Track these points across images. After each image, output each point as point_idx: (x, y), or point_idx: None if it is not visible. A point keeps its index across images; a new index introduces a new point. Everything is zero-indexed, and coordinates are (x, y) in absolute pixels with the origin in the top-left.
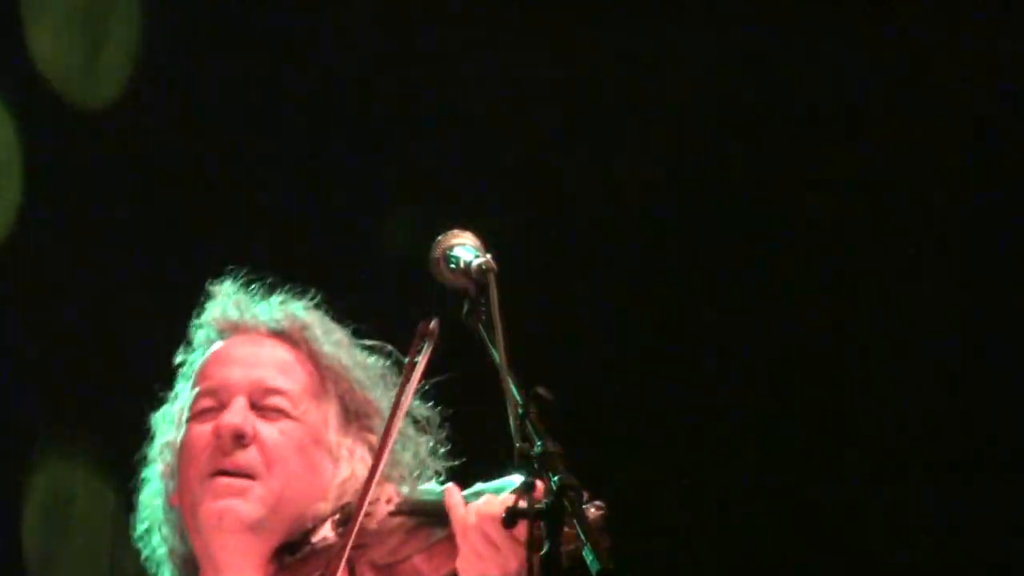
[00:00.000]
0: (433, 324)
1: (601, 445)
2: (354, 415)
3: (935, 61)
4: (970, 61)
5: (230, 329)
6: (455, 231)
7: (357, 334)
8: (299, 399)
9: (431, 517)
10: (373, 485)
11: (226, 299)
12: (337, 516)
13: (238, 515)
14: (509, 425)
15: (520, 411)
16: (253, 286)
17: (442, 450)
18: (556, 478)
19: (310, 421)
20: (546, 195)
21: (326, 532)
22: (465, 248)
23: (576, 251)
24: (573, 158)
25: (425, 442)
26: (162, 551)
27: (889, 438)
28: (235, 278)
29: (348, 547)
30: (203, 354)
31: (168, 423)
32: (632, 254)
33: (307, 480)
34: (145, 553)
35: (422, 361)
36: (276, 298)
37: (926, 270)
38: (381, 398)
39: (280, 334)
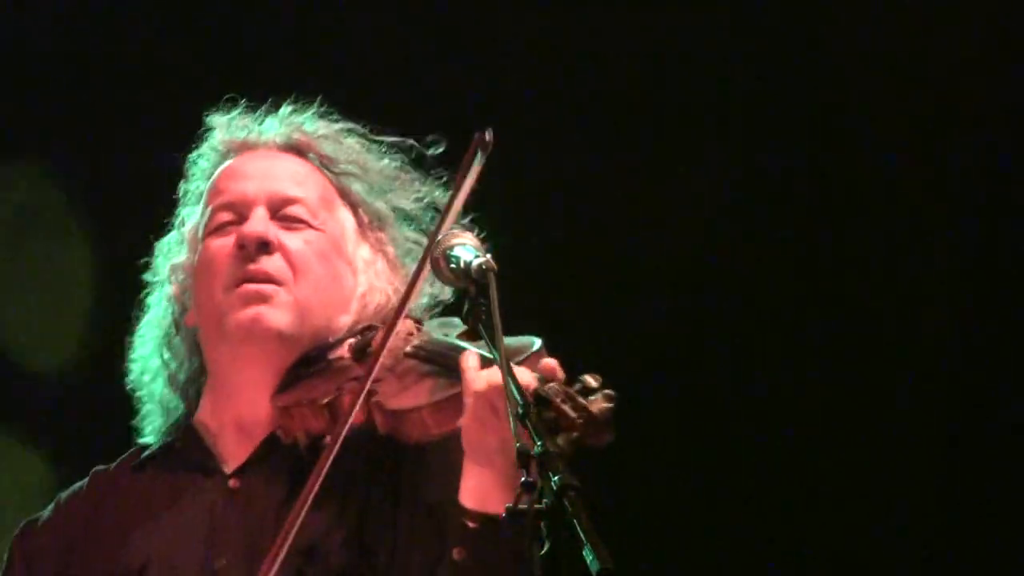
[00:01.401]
0: (489, 135)
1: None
2: (369, 225)
3: None
4: None
5: (238, 149)
6: (455, 231)
7: (372, 131)
8: (317, 209)
9: (444, 368)
10: (400, 318)
11: (229, 121)
12: (355, 340)
13: (268, 321)
14: None
15: (520, 411)
16: (256, 107)
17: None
18: (556, 478)
19: (330, 230)
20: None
21: (343, 351)
22: (465, 248)
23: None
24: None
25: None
26: (158, 380)
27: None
28: (233, 105)
29: (368, 386)
30: (211, 175)
31: (177, 245)
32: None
33: (331, 290)
34: (136, 385)
35: (474, 172)
36: (282, 112)
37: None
38: (394, 201)
39: (290, 147)
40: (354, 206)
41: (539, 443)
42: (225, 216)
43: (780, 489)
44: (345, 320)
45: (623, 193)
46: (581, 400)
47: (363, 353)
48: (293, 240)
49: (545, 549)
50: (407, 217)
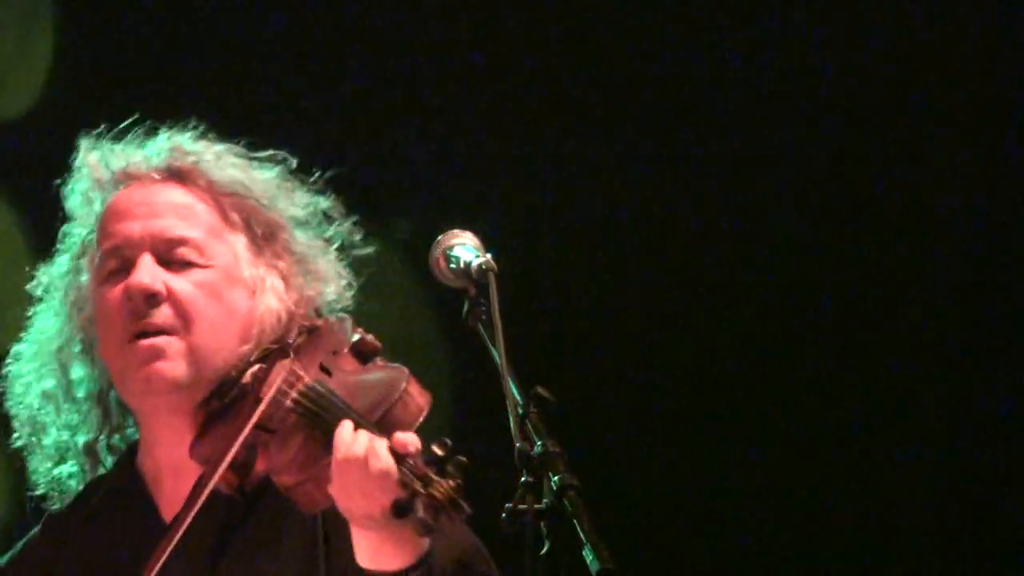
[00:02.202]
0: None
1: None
2: (263, 239)
3: None
4: None
5: (120, 180)
6: (455, 231)
7: (250, 148)
8: (204, 243)
9: (323, 431)
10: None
11: (104, 151)
12: (255, 369)
13: (164, 376)
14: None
15: (520, 411)
16: (128, 135)
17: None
18: (556, 478)
19: (220, 264)
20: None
21: (247, 379)
22: (465, 248)
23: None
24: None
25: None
26: (56, 393)
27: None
28: (106, 132)
29: (233, 450)
30: (96, 203)
31: (71, 270)
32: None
33: (226, 326)
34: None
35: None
36: (160, 137)
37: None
38: (285, 210)
39: (171, 174)
40: (244, 223)
41: (539, 443)
42: (113, 263)
43: (781, 488)
44: (246, 349)
45: (614, 187)
46: (432, 485)
47: (259, 384)
48: (181, 284)
49: (545, 549)
50: (298, 224)
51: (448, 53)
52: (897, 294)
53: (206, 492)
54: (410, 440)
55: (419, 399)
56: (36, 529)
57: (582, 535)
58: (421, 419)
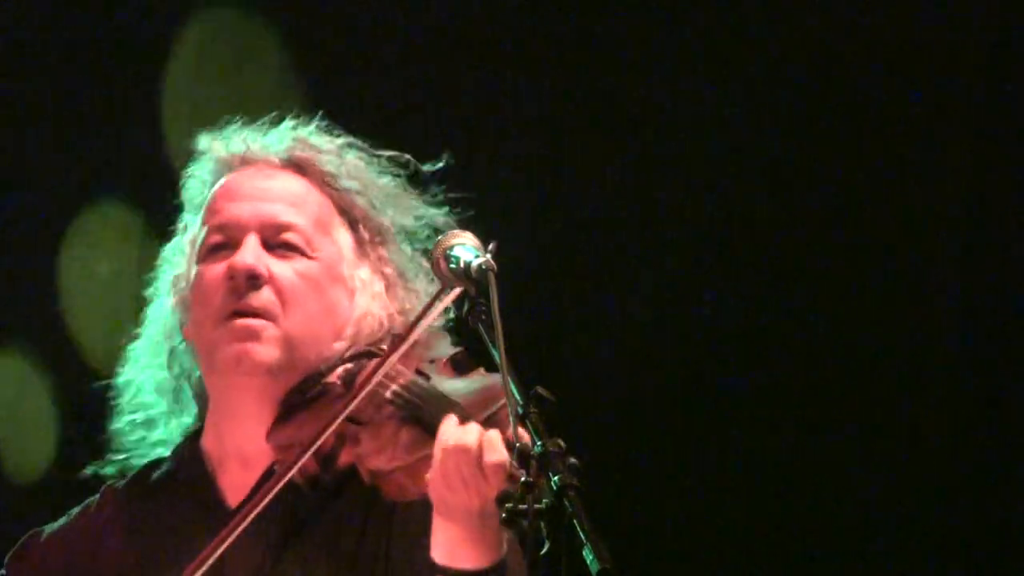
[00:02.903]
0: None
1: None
2: (369, 243)
3: None
4: None
5: (236, 163)
6: (455, 231)
7: (372, 147)
8: (312, 234)
9: (421, 423)
10: (390, 360)
11: (229, 135)
12: (346, 368)
13: (255, 358)
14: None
15: (520, 411)
16: (257, 122)
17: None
18: (556, 478)
19: (324, 257)
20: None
21: (335, 378)
22: (465, 248)
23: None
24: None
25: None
26: (159, 394)
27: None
28: (234, 121)
29: (340, 419)
30: (211, 185)
31: (179, 255)
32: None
33: (323, 320)
34: (130, 397)
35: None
36: (282, 126)
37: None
38: (396, 218)
39: (289, 163)
40: (354, 223)
41: (539, 443)
42: (217, 238)
43: (781, 487)
44: (339, 346)
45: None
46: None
47: (351, 385)
48: (284, 270)
49: (545, 549)
50: (408, 234)
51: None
52: (900, 297)
53: (285, 478)
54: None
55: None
56: (92, 499)
57: (582, 535)
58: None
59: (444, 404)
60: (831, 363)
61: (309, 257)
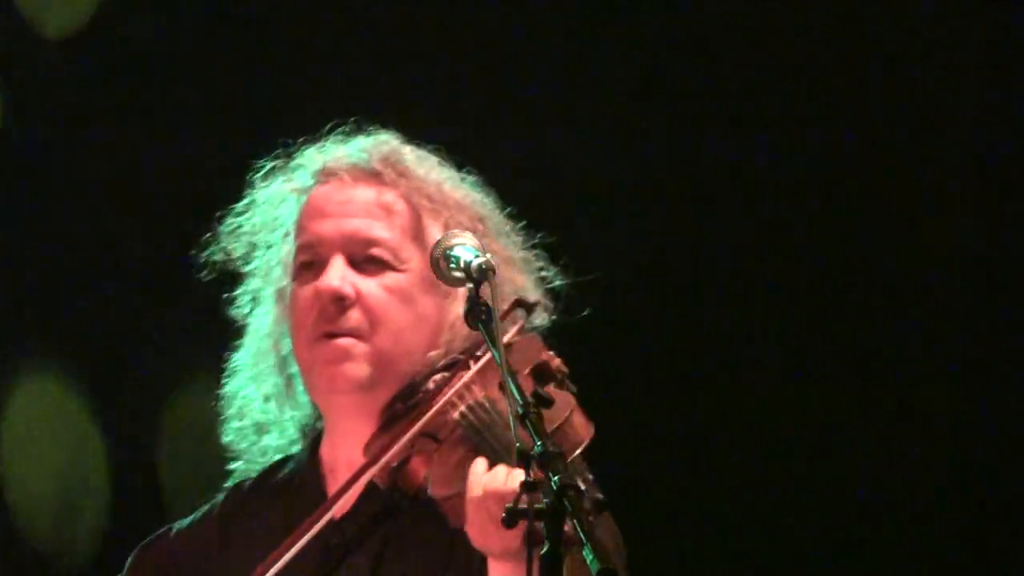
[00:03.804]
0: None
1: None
2: None
3: None
4: None
5: (322, 176)
6: (455, 231)
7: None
8: (399, 245)
9: (482, 448)
10: (465, 378)
11: (310, 148)
12: (445, 374)
13: (347, 376)
14: None
15: (520, 411)
16: (337, 132)
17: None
18: (556, 478)
19: (414, 267)
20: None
21: (430, 385)
22: (465, 248)
23: None
24: None
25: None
26: (278, 389)
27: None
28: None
29: (388, 456)
30: (296, 204)
31: (277, 268)
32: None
33: (414, 331)
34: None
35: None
36: (363, 135)
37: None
38: (488, 219)
39: (372, 173)
40: (445, 225)
41: (539, 443)
42: (305, 256)
43: (782, 486)
44: (434, 354)
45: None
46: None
47: (438, 392)
48: (372, 287)
49: (545, 549)
50: (500, 234)
51: None
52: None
53: (356, 487)
54: None
55: (580, 430)
56: (217, 498)
57: (582, 535)
58: (579, 450)
59: (501, 433)
60: (830, 363)
61: (397, 270)
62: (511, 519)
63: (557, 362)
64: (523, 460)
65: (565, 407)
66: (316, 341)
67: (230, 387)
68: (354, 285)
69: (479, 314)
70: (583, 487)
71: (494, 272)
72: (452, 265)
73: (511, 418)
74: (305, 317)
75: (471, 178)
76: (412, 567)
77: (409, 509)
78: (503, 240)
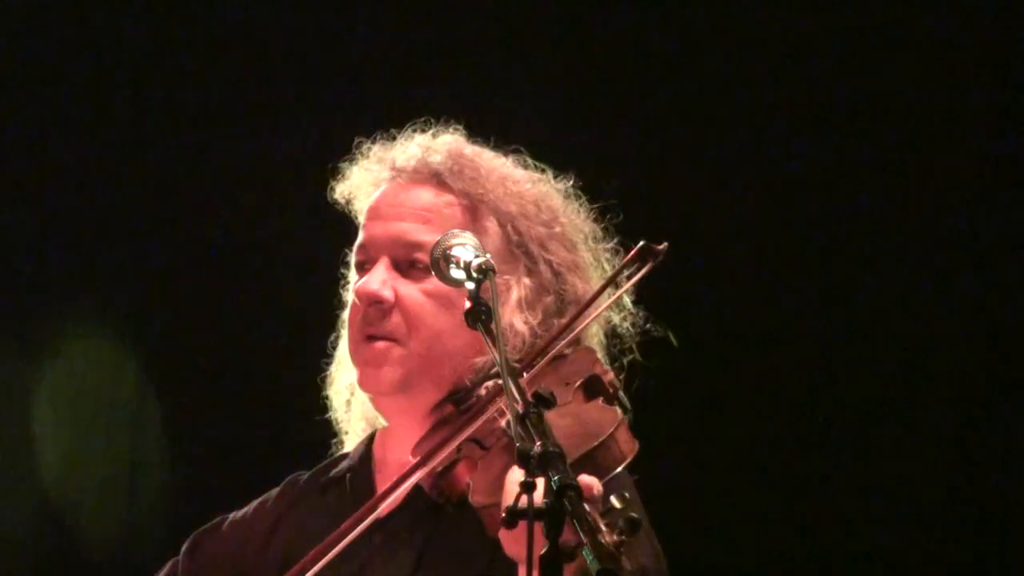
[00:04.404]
0: (662, 247)
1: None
2: (517, 246)
3: None
4: None
5: (385, 176)
6: (454, 231)
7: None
8: None
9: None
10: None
11: (375, 148)
12: (498, 381)
13: (380, 380)
14: None
15: (520, 410)
16: (400, 132)
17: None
18: (556, 478)
19: None
20: None
21: (481, 392)
22: (465, 248)
23: None
24: None
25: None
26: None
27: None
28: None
29: (463, 435)
30: (366, 201)
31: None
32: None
33: (455, 336)
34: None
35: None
36: (424, 136)
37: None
38: (551, 222)
39: (430, 174)
40: (500, 228)
41: (539, 443)
42: (359, 257)
43: (783, 485)
44: (481, 359)
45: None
46: (599, 534)
47: (489, 400)
48: (411, 292)
49: (545, 549)
50: (561, 240)
51: None
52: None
53: (403, 487)
54: (593, 484)
55: (624, 447)
56: (273, 490)
57: (582, 535)
58: (622, 467)
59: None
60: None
61: None
62: (511, 519)
63: (610, 377)
64: (523, 460)
65: (610, 422)
66: (358, 343)
67: (331, 369)
68: (395, 289)
69: (479, 314)
70: (619, 505)
71: (494, 272)
72: (452, 265)
73: (512, 418)
74: (352, 318)
75: (556, 181)
76: (451, 570)
77: (454, 513)
78: (576, 239)
